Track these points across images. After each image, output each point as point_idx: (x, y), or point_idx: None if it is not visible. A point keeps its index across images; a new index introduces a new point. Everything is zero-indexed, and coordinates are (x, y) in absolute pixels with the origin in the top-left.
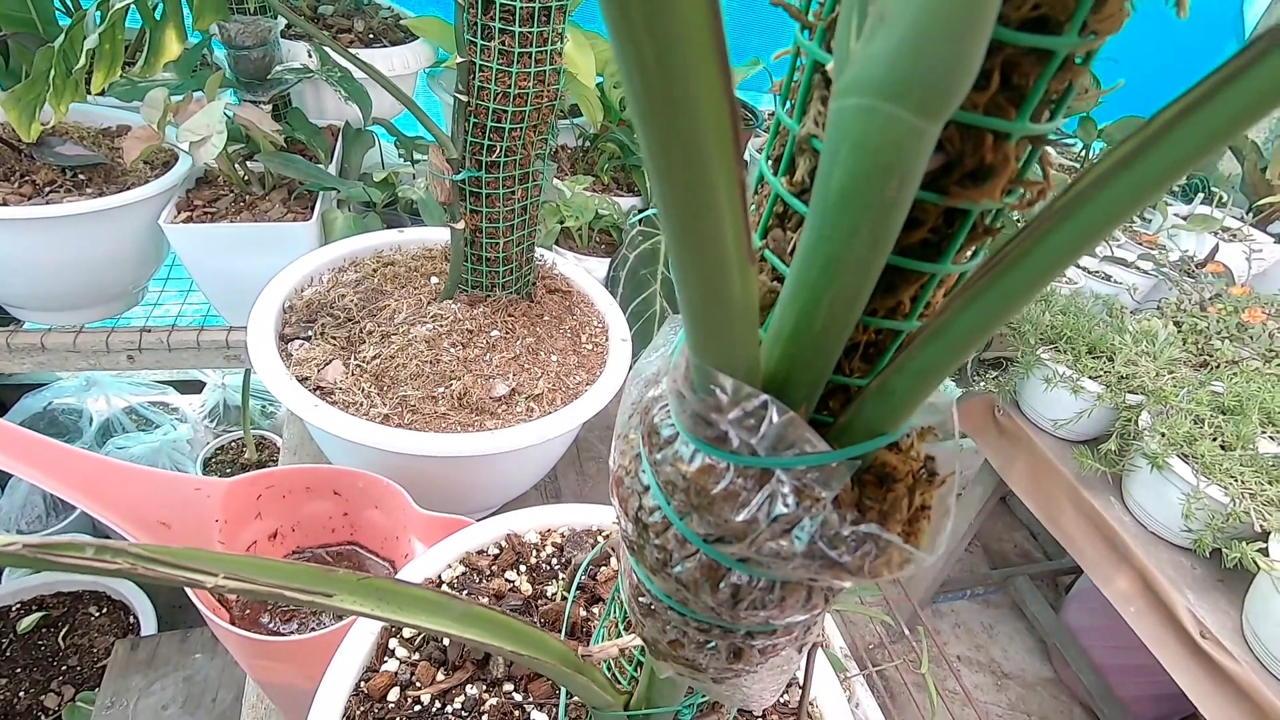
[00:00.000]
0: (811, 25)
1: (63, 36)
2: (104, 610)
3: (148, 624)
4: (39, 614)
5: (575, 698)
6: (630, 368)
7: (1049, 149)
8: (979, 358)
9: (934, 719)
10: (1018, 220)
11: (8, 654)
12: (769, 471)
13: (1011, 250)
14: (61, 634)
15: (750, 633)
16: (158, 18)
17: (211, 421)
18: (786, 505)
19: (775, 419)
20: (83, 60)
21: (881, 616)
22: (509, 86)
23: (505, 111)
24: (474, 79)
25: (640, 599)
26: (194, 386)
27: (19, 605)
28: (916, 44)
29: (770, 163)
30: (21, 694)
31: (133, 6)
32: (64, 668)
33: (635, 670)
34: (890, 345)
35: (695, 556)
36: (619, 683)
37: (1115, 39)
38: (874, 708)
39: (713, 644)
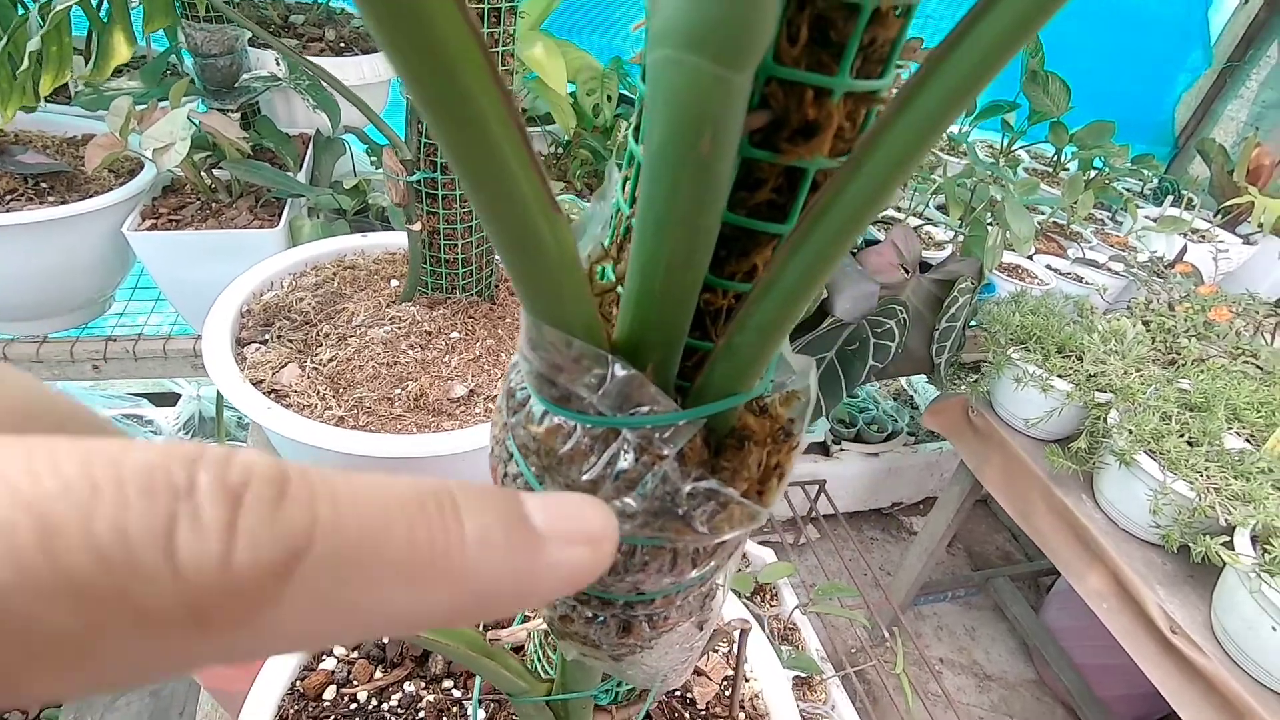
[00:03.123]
0: None
1: (5, 39)
2: None
3: None
4: None
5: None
6: None
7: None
8: (956, 361)
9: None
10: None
11: None
12: (616, 431)
13: (818, 203)
14: None
15: (629, 603)
16: (104, 20)
17: (187, 434)
18: (629, 463)
19: (617, 376)
20: (27, 63)
21: (859, 618)
22: None
23: None
24: None
25: None
26: (169, 399)
27: None
28: None
29: (633, 132)
30: None
31: (77, 7)
32: None
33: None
34: None
35: None
36: (548, 673)
37: (1087, 46)
38: (849, 708)
39: (600, 618)
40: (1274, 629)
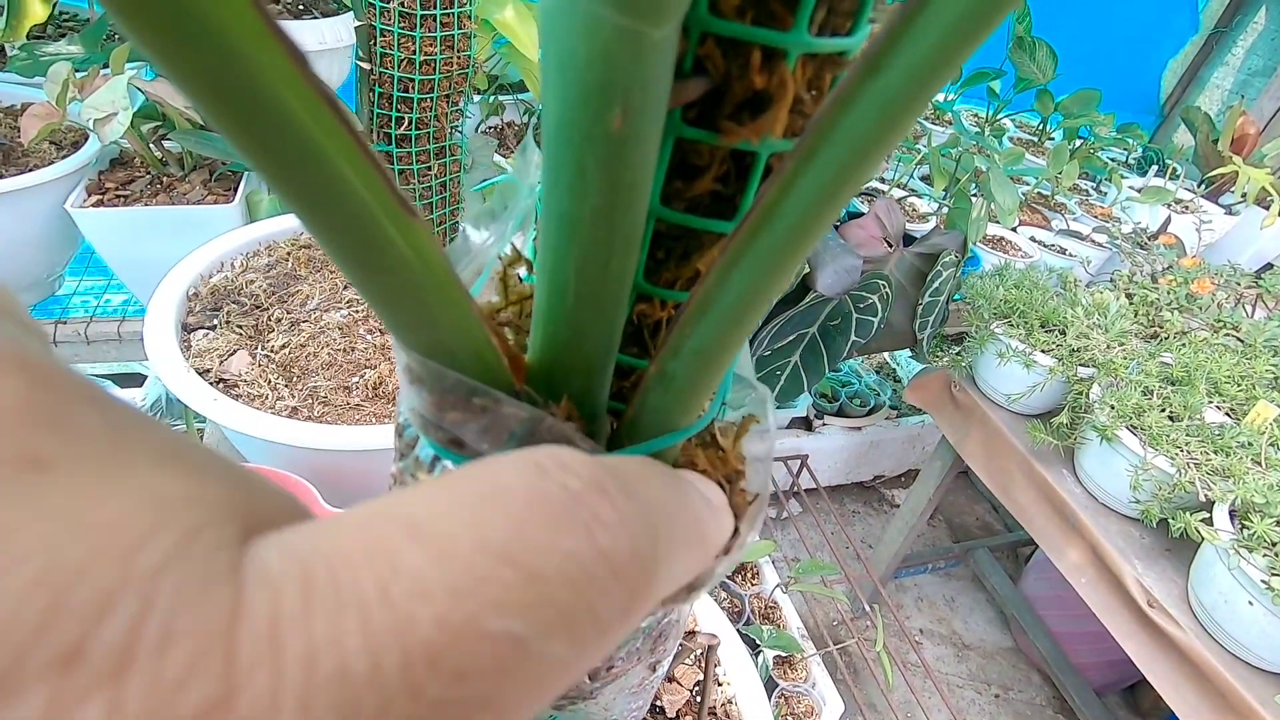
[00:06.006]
0: None
1: None
2: None
3: None
4: None
5: None
6: None
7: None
8: (940, 334)
9: (891, 694)
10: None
11: None
12: None
13: (763, 201)
14: None
15: None
16: None
17: (154, 415)
18: None
19: (519, 419)
20: None
21: (839, 597)
22: (414, 53)
23: (412, 80)
24: (375, 44)
25: None
26: (134, 380)
27: None
28: None
29: None
30: None
31: None
32: None
33: None
34: None
35: None
36: None
37: (1074, 11)
38: (829, 686)
39: None
40: (1250, 603)
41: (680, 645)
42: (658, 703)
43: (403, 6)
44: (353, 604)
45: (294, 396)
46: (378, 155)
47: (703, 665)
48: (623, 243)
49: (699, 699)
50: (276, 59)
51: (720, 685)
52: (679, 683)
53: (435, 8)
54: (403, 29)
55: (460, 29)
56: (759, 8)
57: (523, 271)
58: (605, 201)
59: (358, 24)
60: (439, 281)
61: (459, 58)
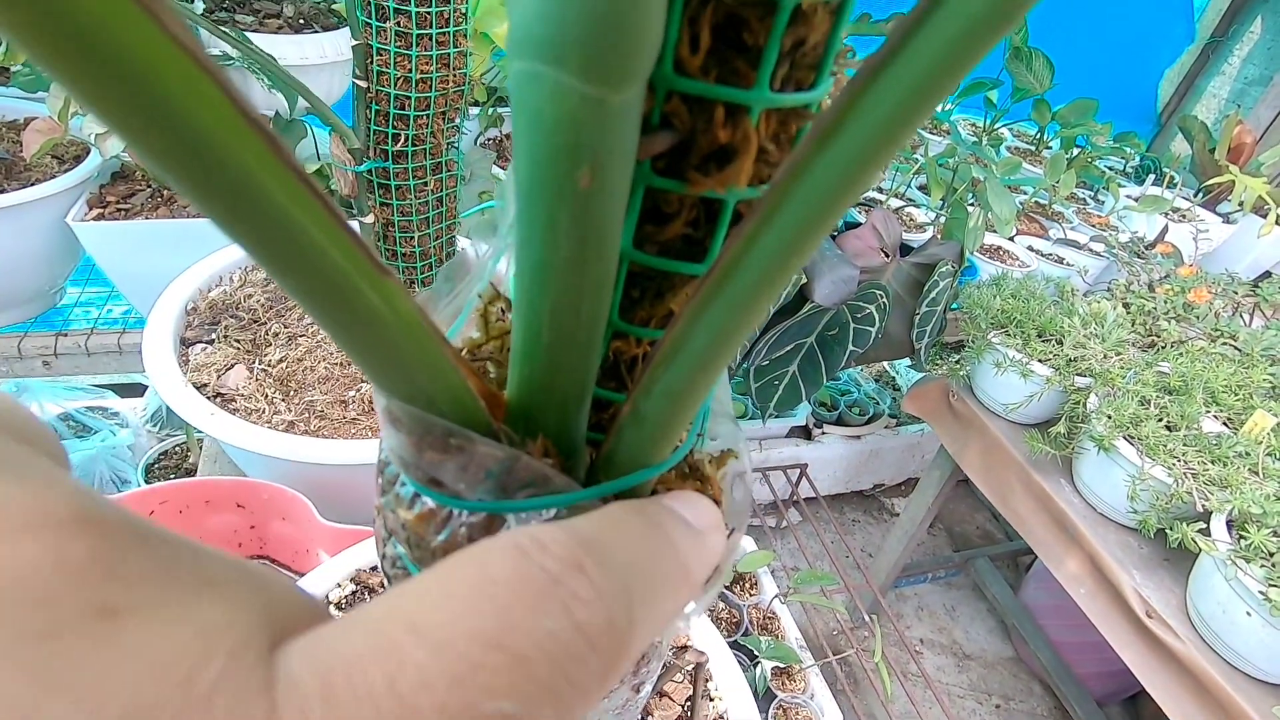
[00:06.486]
0: None
1: None
2: None
3: None
4: None
5: None
6: None
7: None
8: (938, 342)
9: (891, 704)
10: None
11: None
12: (500, 518)
13: (729, 253)
14: None
15: None
16: None
17: (154, 426)
18: None
19: (495, 458)
20: None
21: (838, 608)
22: (410, 71)
23: (408, 98)
24: (372, 63)
25: None
26: (135, 390)
27: None
28: None
29: None
30: None
31: None
32: None
33: None
34: None
35: None
36: None
37: (1071, 21)
38: (828, 697)
39: None
40: (1248, 614)
41: (671, 662)
42: (649, 717)
43: (399, 26)
44: (367, 700)
45: (291, 410)
46: (346, 219)
47: (692, 678)
48: (594, 288)
49: (690, 714)
50: (254, 144)
51: (712, 700)
52: (670, 698)
53: (431, 27)
54: (399, 48)
55: (456, 48)
56: (722, 66)
57: (503, 308)
58: (576, 251)
59: (355, 43)
60: (413, 331)
61: (455, 76)
